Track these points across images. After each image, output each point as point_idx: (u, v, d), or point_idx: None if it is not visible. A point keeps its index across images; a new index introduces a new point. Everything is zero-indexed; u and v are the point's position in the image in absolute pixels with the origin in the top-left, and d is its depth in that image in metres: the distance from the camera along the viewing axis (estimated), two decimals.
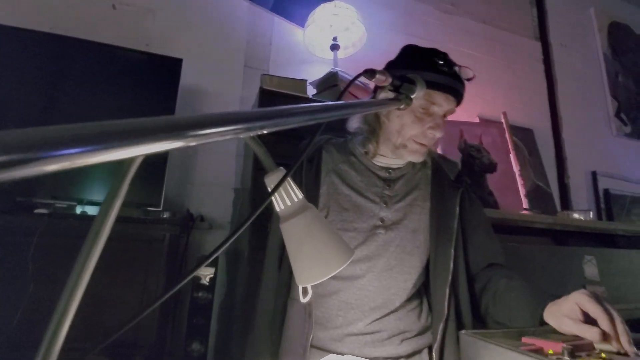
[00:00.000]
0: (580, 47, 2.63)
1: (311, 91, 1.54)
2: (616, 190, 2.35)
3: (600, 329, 0.48)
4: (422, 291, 0.82)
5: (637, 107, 2.74)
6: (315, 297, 0.79)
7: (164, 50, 1.43)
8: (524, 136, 2.16)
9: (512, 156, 2.00)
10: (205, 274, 1.29)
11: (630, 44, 2.88)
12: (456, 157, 1.81)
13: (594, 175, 2.35)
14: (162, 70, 1.31)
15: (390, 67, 0.83)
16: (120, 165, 0.26)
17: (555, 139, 2.33)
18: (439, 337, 0.74)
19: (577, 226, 1.72)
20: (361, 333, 0.75)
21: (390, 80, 0.49)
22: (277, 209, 0.42)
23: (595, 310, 0.50)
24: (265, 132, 0.27)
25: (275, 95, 1.30)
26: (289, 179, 0.40)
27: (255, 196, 1.24)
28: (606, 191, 2.32)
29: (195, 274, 1.28)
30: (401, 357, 0.75)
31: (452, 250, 0.77)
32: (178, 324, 1.23)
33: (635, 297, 1.60)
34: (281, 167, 0.40)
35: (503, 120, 2.07)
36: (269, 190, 0.39)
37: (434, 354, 0.74)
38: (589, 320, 0.52)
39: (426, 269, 0.81)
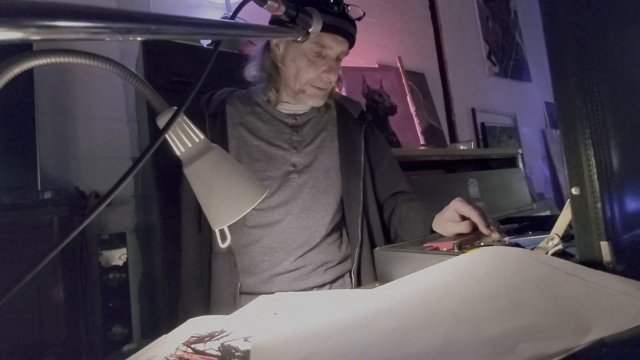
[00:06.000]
0: None
1: (205, 41, 1.40)
2: (489, 123, 2.79)
3: (472, 222, 0.60)
4: (342, 224, 0.87)
5: (503, 50, 3.19)
6: (239, 248, 0.80)
7: None
8: (417, 80, 2.35)
9: (408, 98, 2.18)
10: (117, 254, 1.17)
11: None
12: (361, 102, 1.89)
13: (473, 111, 2.74)
14: None
15: None
16: None
17: (443, 81, 2.60)
18: (355, 261, 0.81)
19: (462, 155, 2.02)
20: (287, 271, 0.79)
21: (284, 8, 0.46)
22: (177, 152, 0.39)
23: (467, 210, 0.61)
24: (140, 38, 0.23)
25: (163, 46, 1.15)
26: (185, 118, 0.36)
27: (159, 163, 1.13)
28: (482, 124, 2.75)
29: (101, 259, 1.16)
30: (326, 283, 0.82)
31: (361, 184, 0.84)
32: (92, 312, 1.12)
33: (507, 206, 2.00)
34: (174, 107, 0.36)
35: (399, 65, 2.21)
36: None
37: (352, 276, 0.82)
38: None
39: (342, 203, 0.86)
